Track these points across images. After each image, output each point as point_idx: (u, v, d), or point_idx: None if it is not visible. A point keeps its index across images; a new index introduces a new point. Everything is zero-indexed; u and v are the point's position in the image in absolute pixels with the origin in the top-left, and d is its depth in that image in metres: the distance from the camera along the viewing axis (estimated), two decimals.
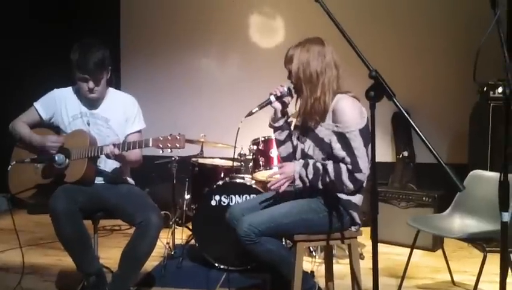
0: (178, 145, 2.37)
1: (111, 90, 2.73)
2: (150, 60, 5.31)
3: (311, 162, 2.22)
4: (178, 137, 2.37)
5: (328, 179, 2.15)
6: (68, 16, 5.15)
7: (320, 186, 2.18)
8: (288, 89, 2.31)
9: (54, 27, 5.00)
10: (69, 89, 2.69)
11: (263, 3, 5.12)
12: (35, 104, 2.67)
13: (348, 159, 2.10)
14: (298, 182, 2.23)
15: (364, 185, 2.20)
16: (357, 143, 2.09)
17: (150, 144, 2.40)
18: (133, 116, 2.72)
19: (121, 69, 5.32)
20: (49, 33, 4.93)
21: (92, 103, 2.64)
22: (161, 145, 2.38)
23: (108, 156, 2.44)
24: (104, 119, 2.65)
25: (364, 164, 2.09)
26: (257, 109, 2.32)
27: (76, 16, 5.19)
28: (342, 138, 2.12)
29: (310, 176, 2.18)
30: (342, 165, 2.12)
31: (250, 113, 2.32)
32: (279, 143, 2.44)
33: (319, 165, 2.19)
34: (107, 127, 2.65)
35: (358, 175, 2.10)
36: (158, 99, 5.16)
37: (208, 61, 5.32)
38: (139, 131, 2.75)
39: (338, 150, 2.13)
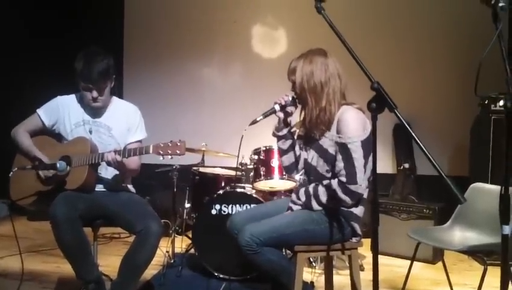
0: (178, 152, 2.36)
1: (115, 99, 2.74)
2: (153, 67, 5.31)
3: (303, 188, 2.28)
4: (178, 143, 2.36)
5: (324, 200, 2.19)
6: (70, 22, 5.12)
7: (317, 207, 2.22)
8: (293, 98, 2.32)
9: (56, 33, 4.99)
10: (73, 96, 2.70)
11: (266, 14, 5.14)
12: (38, 110, 2.67)
13: (343, 172, 2.10)
14: (291, 205, 2.31)
15: (365, 196, 2.20)
16: (358, 154, 2.09)
17: (151, 151, 2.39)
18: (135, 126, 2.72)
19: (124, 74, 5.31)
20: (50, 38, 4.93)
21: (95, 111, 2.64)
22: (161, 152, 2.37)
23: (109, 163, 2.44)
24: (107, 127, 2.65)
25: (360, 176, 2.09)
26: (261, 117, 2.32)
27: (79, 21, 5.17)
28: (343, 148, 2.12)
29: (303, 199, 2.26)
30: (333, 182, 2.14)
31: (254, 122, 2.32)
32: (282, 152, 2.45)
33: (310, 189, 2.24)
34: (109, 135, 2.65)
35: (352, 187, 2.09)
36: (160, 106, 5.15)
37: (211, 69, 5.32)
38: (140, 141, 2.74)
39: (338, 161, 2.14)
